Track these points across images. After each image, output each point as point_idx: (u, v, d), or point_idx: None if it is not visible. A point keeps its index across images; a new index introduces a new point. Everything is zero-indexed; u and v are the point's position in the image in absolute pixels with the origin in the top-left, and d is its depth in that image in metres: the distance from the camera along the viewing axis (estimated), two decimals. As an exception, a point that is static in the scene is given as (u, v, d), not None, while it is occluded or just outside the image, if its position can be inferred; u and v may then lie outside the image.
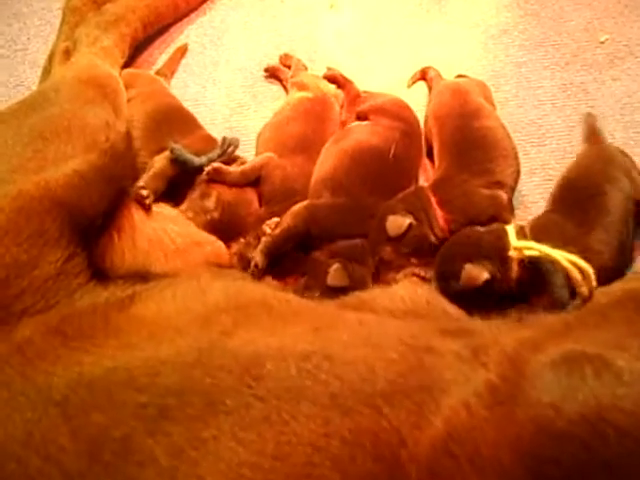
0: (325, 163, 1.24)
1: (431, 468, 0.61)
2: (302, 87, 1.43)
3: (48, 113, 1.15)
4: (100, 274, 0.97)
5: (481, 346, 0.74)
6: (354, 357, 0.74)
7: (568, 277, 0.96)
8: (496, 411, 0.63)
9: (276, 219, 1.17)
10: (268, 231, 1.14)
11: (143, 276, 0.99)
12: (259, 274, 1.10)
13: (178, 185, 1.23)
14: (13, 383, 0.75)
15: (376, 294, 1.02)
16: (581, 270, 0.95)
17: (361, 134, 1.28)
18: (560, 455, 0.57)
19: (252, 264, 1.11)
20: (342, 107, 1.43)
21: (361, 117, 1.35)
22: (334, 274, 1.07)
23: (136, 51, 1.59)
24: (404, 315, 0.95)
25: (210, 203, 1.18)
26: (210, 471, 0.64)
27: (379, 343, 0.78)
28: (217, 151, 1.23)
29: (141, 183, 1.16)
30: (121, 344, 0.79)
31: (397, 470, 0.62)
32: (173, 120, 1.34)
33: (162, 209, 1.15)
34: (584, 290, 0.94)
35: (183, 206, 1.20)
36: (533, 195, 1.26)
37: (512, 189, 1.19)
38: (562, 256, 0.97)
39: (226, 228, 1.18)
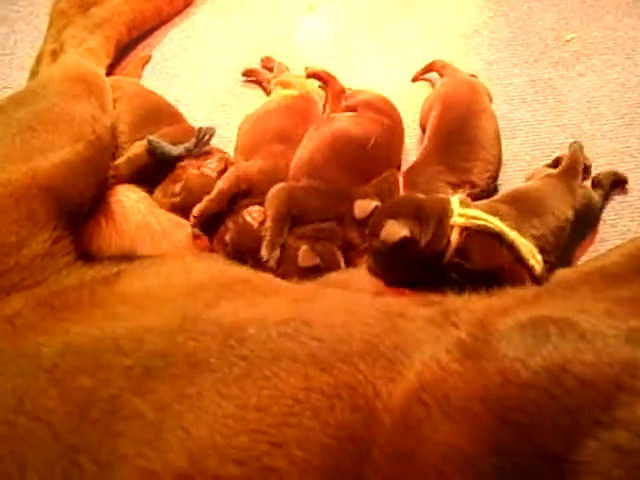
0: (305, 148, 1.27)
1: (404, 416, 0.64)
2: (287, 85, 1.46)
3: (36, 107, 1.18)
4: (87, 257, 1.01)
5: (452, 311, 0.79)
6: (332, 322, 0.78)
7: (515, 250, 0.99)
8: (465, 364, 0.66)
9: (257, 207, 1.19)
10: (248, 218, 1.17)
11: (129, 257, 1.02)
12: (277, 268, 1.12)
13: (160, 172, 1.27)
14: (3, 352, 0.78)
15: (348, 275, 1.07)
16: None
17: (342, 122, 1.31)
18: (526, 403, 0.61)
19: (264, 263, 1.12)
20: (325, 103, 1.46)
21: (349, 110, 1.37)
22: (303, 255, 1.10)
23: (121, 53, 1.62)
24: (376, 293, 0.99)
25: (177, 187, 1.21)
26: (194, 423, 0.67)
27: (355, 310, 0.82)
28: (193, 140, 1.26)
29: (116, 162, 1.21)
30: (107, 314, 0.83)
31: (372, 418, 0.66)
32: (159, 115, 1.38)
33: (137, 193, 1.19)
34: (533, 263, 0.98)
35: (157, 188, 1.24)
36: (505, 185, 1.30)
37: (484, 191, 1.21)
38: (508, 229, 0.99)
39: (186, 213, 1.19)
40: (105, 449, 0.67)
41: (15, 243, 0.91)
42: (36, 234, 0.93)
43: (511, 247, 0.99)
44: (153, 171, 1.26)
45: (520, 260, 0.99)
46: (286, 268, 1.12)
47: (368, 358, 0.71)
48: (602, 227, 1.24)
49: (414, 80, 1.51)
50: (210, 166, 1.24)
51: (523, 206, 1.06)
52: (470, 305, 0.81)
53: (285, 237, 1.14)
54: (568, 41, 1.52)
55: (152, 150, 1.24)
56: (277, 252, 1.12)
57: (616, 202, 1.26)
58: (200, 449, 0.65)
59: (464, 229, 1.01)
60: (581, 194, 1.14)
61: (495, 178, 1.25)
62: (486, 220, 1.00)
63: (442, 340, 0.72)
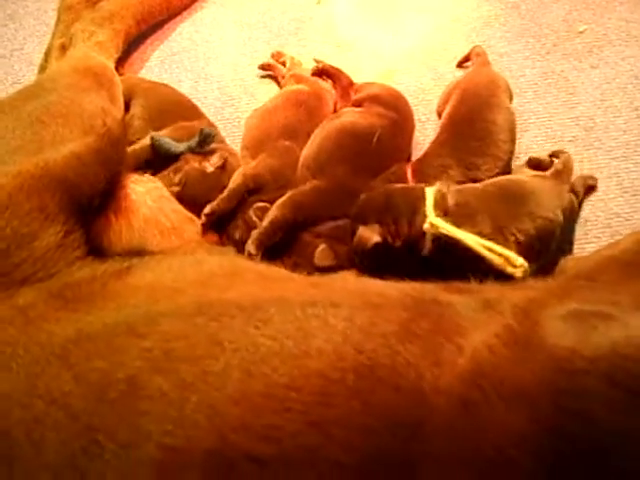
0: (311, 144, 1.27)
1: (462, 399, 0.64)
2: (300, 80, 1.45)
3: (46, 100, 1.18)
4: (98, 252, 1.00)
5: (492, 299, 0.77)
6: (360, 303, 0.77)
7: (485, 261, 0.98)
8: (517, 351, 0.66)
9: (262, 204, 1.20)
10: (253, 217, 1.17)
11: (139, 253, 1.02)
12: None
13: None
14: (16, 342, 0.78)
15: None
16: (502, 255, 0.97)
17: (348, 117, 1.30)
18: (585, 390, 0.60)
19: (246, 254, 1.13)
20: (336, 100, 1.44)
21: (356, 105, 1.37)
22: (320, 254, 1.10)
23: (129, 48, 1.63)
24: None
25: (176, 178, 1.23)
26: (221, 401, 0.67)
27: (383, 293, 0.81)
28: (196, 139, 1.27)
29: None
30: (119, 305, 0.82)
31: (419, 401, 0.65)
32: (176, 109, 1.39)
33: (144, 186, 1.19)
34: (513, 271, 0.97)
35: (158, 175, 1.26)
36: (516, 177, 1.30)
37: None
38: (477, 242, 0.98)
39: (183, 204, 1.22)
40: (125, 428, 0.66)
41: (27, 235, 0.90)
42: (48, 226, 0.93)
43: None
44: (159, 162, 1.27)
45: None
46: (297, 262, 1.13)
47: (405, 341, 0.70)
48: (616, 220, 1.22)
49: (458, 66, 1.49)
50: (211, 161, 1.25)
51: (515, 203, 1.05)
52: (506, 295, 0.80)
53: (275, 241, 1.14)
54: (581, 33, 1.51)
55: (155, 147, 1.26)
56: (260, 252, 1.12)
57: (629, 195, 1.25)
58: (229, 426, 0.65)
59: (435, 237, 1.01)
60: (568, 199, 1.12)
61: (502, 174, 1.22)
62: (454, 234, 0.99)
63: (490, 327, 0.71)
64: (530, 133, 1.37)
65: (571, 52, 1.48)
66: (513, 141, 1.25)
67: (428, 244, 1.01)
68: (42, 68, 1.57)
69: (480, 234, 1.00)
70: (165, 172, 1.26)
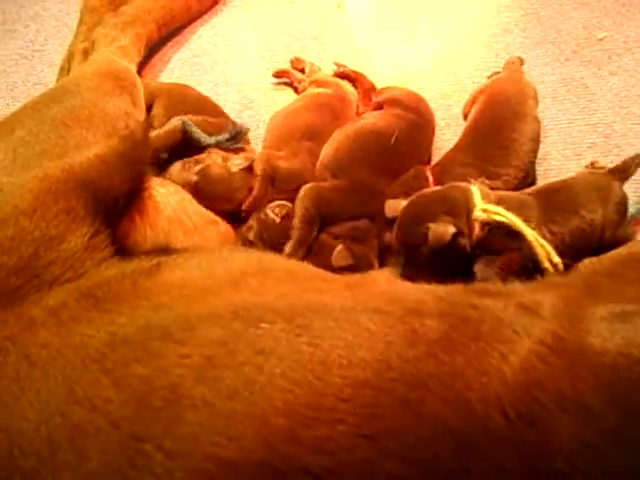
0: (330, 145, 1.27)
1: (519, 411, 0.63)
2: (322, 84, 1.45)
3: (69, 104, 1.19)
4: (124, 252, 1.00)
5: (527, 302, 0.77)
6: (398, 309, 0.76)
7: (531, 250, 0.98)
8: (569, 360, 0.66)
9: (278, 202, 1.21)
10: (271, 215, 1.18)
11: (165, 251, 1.03)
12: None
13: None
14: (50, 344, 0.77)
15: (385, 271, 1.06)
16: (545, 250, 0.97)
17: (367, 119, 1.31)
18: None
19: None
20: (358, 104, 1.45)
21: (377, 108, 1.37)
22: (338, 255, 1.11)
23: (151, 51, 1.64)
24: None
25: (197, 168, 1.23)
26: (268, 411, 0.65)
27: (418, 298, 0.80)
28: (226, 135, 1.28)
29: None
30: (152, 305, 0.82)
31: (466, 411, 0.64)
32: (200, 109, 1.40)
33: (166, 187, 1.20)
34: (548, 266, 0.96)
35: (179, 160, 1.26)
36: (536, 184, 1.28)
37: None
38: (527, 229, 0.98)
39: (197, 197, 1.22)
40: (171, 437, 0.65)
41: (55, 237, 0.91)
42: (75, 229, 0.94)
43: (529, 247, 0.98)
44: (180, 151, 1.28)
45: (534, 261, 0.98)
46: (316, 263, 1.12)
47: (449, 349, 0.69)
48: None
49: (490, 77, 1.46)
50: (235, 162, 1.25)
51: (550, 202, 1.04)
52: (539, 297, 0.79)
53: (313, 238, 1.15)
54: (600, 40, 1.51)
55: (185, 131, 1.27)
56: (302, 251, 1.13)
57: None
58: (278, 438, 0.64)
59: (485, 224, 1.00)
60: (618, 195, 1.08)
61: (523, 184, 1.22)
62: (507, 218, 0.99)
63: (533, 333, 0.70)
64: (549, 139, 1.37)
65: (590, 59, 1.48)
66: (536, 152, 1.24)
67: (477, 231, 1.00)
68: (62, 69, 1.58)
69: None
70: (186, 159, 1.26)
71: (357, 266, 1.10)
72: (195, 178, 1.22)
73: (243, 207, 1.22)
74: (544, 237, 0.99)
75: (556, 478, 0.60)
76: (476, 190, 1.03)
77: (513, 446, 0.62)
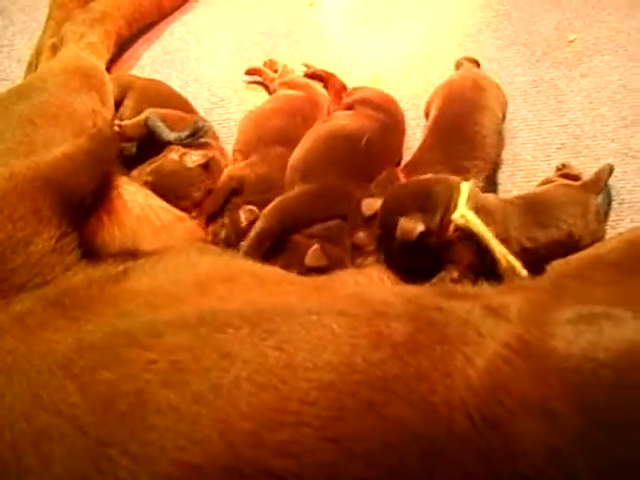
0: (300, 147, 1.27)
1: (483, 414, 0.62)
2: (294, 86, 1.44)
3: (36, 101, 1.18)
4: (91, 254, 0.99)
5: (493, 305, 0.76)
6: (364, 312, 0.76)
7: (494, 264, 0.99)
8: (533, 363, 0.65)
9: (252, 207, 1.20)
10: (242, 217, 1.18)
11: (133, 254, 1.02)
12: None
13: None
14: (16, 350, 0.76)
15: (356, 273, 1.06)
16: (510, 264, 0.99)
17: (337, 120, 1.30)
18: (614, 399, 0.61)
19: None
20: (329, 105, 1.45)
21: (347, 108, 1.37)
22: (312, 255, 1.10)
23: (121, 48, 1.62)
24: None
25: (149, 167, 1.23)
26: (234, 415, 0.65)
27: (385, 300, 0.80)
28: (187, 132, 1.27)
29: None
30: (119, 312, 0.81)
31: (432, 415, 0.64)
32: (168, 103, 1.39)
33: (134, 185, 1.19)
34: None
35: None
36: (505, 184, 1.30)
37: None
38: (497, 247, 0.99)
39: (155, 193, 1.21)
40: (137, 442, 0.65)
41: (22, 239, 0.89)
42: (42, 230, 0.92)
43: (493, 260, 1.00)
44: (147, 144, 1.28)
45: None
46: (288, 262, 1.12)
47: (414, 352, 0.69)
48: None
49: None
50: (192, 158, 1.24)
51: (532, 211, 1.06)
52: (506, 299, 0.79)
53: (263, 251, 1.14)
54: (571, 42, 1.52)
55: (148, 126, 1.26)
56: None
57: (616, 203, 1.26)
58: (243, 442, 0.64)
59: (459, 228, 1.01)
60: (594, 209, 1.11)
61: (492, 177, 1.24)
62: (480, 233, 1.00)
63: (498, 335, 0.70)
64: (519, 140, 1.38)
65: (561, 60, 1.49)
66: (500, 143, 1.26)
67: (451, 233, 1.01)
68: (31, 66, 1.56)
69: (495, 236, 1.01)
70: (145, 163, 1.25)
71: (330, 267, 1.09)
72: (149, 178, 1.21)
73: (192, 214, 1.21)
74: (522, 245, 1.01)
75: None
76: (465, 189, 1.04)
77: (478, 450, 0.62)
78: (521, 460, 0.60)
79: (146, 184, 1.21)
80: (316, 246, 1.11)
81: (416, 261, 1.04)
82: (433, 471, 0.62)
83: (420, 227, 0.99)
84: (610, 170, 1.16)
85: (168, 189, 1.21)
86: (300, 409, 0.65)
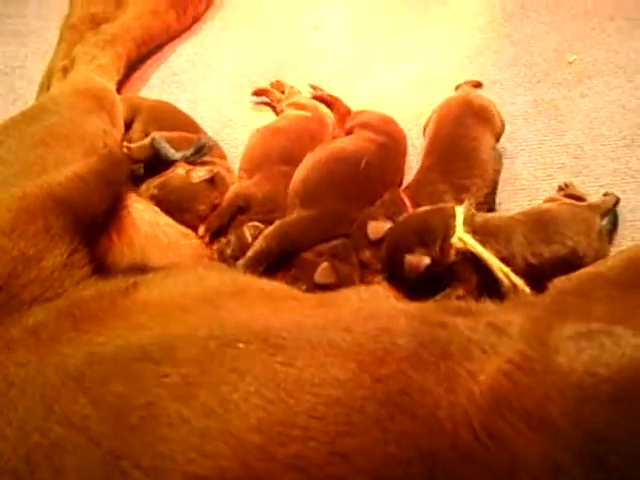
0: (300, 170, 1.28)
1: (487, 429, 0.64)
2: (301, 107, 1.46)
3: (48, 122, 1.21)
4: (102, 270, 1.02)
5: (496, 322, 0.78)
6: (370, 328, 0.78)
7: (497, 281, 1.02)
8: (536, 378, 0.67)
9: (256, 223, 1.22)
10: (247, 234, 1.20)
11: (141, 269, 1.04)
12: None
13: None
14: (29, 363, 0.78)
15: (361, 290, 1.08)
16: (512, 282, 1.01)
17: (336, 143, 1.33)
18: (615, 415, 0.62)
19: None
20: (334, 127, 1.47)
21: (348, 133, 1.39)
22: (322, 272, 1.11)
23: (130, 69, 1.66)
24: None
25: (155, 182, 1.26)
26: (243, 429, 0.66)
27: (390, 317, 0.82)
28: (191, 150, 1.30)
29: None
30: (129, 325, 0.83)
31: (435, 428, 0.65)
32: (176, 124, 1.42)
33: (142, 203, 1.21)
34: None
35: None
36: (506, 204, 1.31)
37: (482, 204, 1.22)
38: (497, 265, 1.02)
39: (162, 208, 1.24)
40: (149, 455, 0.66)
41: (34, 256, 0.92)
42: (53, 247, 0.95)
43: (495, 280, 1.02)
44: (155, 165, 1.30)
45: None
46: (297, 277, 1.14)
47: (418, 368, 0.70)
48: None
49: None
50: (198, 173, 1.27)
51: (536, 228, 1.08)
52: (509, 316, 0.80)
53: (260, 270, 1.15)
54: (571, 63, 1.55)
55: (154, 147, 1.28)
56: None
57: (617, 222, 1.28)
58: (253, 455, 0.65)
59: (460, 252, 1.04)
60: (598, 228, 1.12)
61: (493, 195, 1.26)
62: (479, 253, 1.03)
63: (502, 352, 0.71)
64: (520, 160, 1.39)
65: (561, 81, 1.52)
66: (498, 158, 1.29)
67: (452, 256, 1.05)
68: (43, 87, 1.60)
69: (496, 254, 1.03)
70: (153, 177, 1.28)
71: (338, 284, 1.11)
72: (155, 191, 1.24)
73: (200, 232, 1.24)
74: (527, 261, 1.03)
75: None
76: (460, 213, 1.07)
77: (482, 464, 0.63)
78: (524, 474, 0.61)
79: (152, 198, 1.23)
80: (326, 263, 1.13)
81: (426, 287, 1.06)
82: None
83: (426, 260, 1.04)
84: (617, 201, 1.19)
85: (173, 203, 1.24)
86: (308, 424, 0.66)
